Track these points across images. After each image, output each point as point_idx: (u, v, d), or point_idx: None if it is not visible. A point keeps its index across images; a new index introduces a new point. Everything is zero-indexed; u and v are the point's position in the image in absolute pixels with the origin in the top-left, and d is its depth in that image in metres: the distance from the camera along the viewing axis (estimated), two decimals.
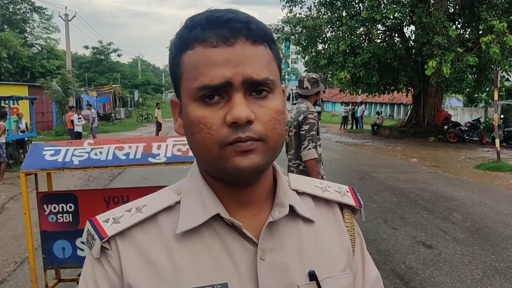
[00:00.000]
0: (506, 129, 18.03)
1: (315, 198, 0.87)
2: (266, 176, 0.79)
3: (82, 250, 3.40)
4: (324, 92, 4.36)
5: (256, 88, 0.70)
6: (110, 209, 0.80)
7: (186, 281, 0.73)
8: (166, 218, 0.78)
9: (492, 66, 17.24)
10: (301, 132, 4.14)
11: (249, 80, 0.69)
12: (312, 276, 0.77)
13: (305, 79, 4.35)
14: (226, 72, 0.68)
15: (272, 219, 0.77)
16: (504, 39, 15.84)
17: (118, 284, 0.75)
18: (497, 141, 12.78)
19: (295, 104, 4.46)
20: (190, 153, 3.16)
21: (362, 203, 0.91)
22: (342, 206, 0.89)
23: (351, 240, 0.88)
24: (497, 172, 11.53)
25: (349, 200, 0.89)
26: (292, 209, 0.79)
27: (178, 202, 0.79)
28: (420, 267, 4.96)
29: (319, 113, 31.01)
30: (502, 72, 17.32)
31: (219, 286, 0.73)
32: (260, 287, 0.74)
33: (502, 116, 18.70)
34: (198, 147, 0.72)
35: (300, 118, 4.16)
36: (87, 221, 0.79)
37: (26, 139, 14.17)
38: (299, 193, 0.85)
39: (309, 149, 4.09)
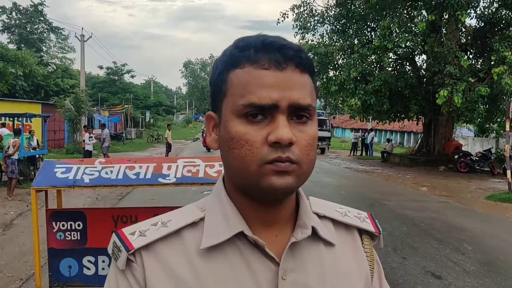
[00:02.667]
0: None
1: (335, 222, 0.88)
2: (290, 198, 0.81)
3: (89, 269, 3.38)
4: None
5: (298, 113, 0.74)
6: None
7: None
8: (190, 233, 0.79)
9: (504, 97, 17.18)
10: None
11: (295, 104, 0.72)
12: None
13: None
14: (274, 94, 0.71)
15: (295, 239, 0.78)
16: None
17: None
18: (509, 172, 12.62)
19: None
20: (200, 174, 3.16)
21: (381, 230, 0.93)
22: (361, 232, 0.91)
23: (370, 266, 0.89)
24: (509, 204, 11.37)
25: (369, 226, 0.92)
26: (313, 231, 0.81)
27: (202, 219, 0.81)
28: None
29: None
30: None
31: None
32: None
33: None
34: (236, 162, 0.74)
35: None
36: (113, 232, 0.81)
37: (37, 156, 14.31)
38: (320, 216, 0.87)
39: None
